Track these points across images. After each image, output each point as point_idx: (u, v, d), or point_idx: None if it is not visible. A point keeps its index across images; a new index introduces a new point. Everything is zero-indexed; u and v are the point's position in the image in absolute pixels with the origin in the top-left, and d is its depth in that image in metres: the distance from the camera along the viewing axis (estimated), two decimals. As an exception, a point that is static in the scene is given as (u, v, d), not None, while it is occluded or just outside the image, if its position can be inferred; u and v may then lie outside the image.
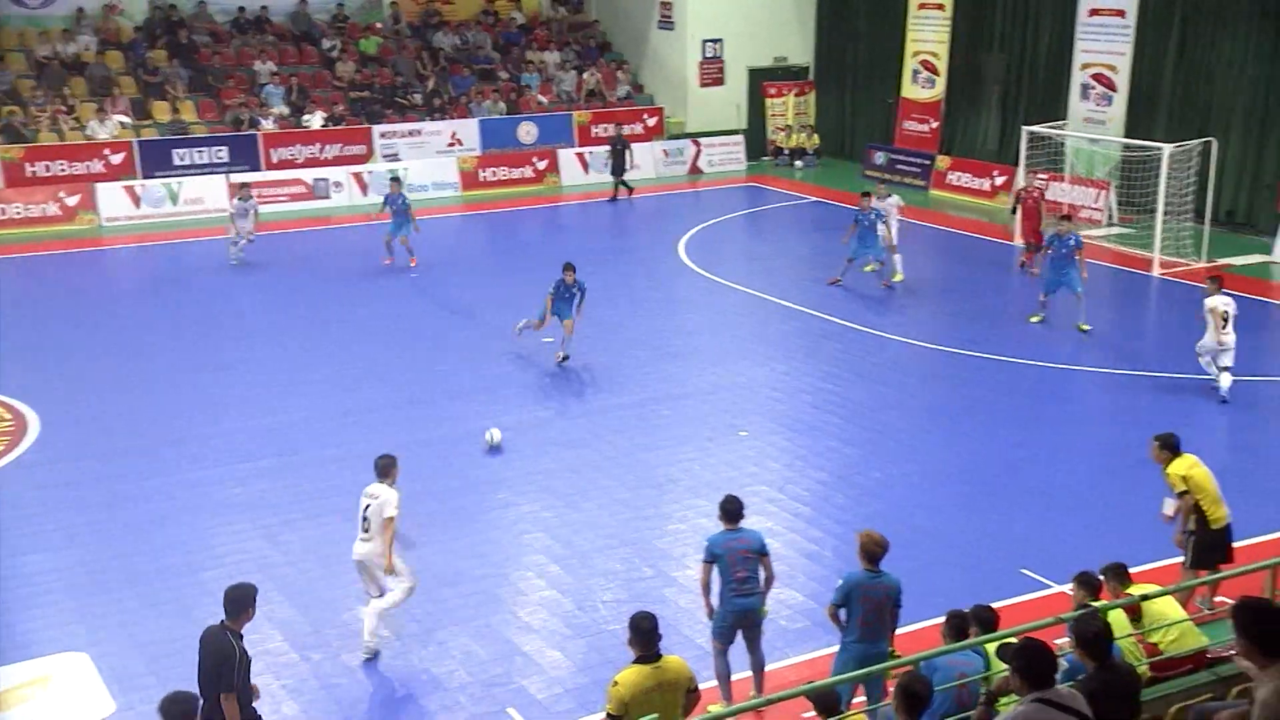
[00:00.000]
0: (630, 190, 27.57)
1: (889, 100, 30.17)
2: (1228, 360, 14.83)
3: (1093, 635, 6.40)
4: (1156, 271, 20.84)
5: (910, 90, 29.51)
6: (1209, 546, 9.97)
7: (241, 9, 29.75)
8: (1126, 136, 23.97)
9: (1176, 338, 17.85)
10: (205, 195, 25.79)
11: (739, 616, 8.84)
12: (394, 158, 27.82)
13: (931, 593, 9.67)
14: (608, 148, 28.19)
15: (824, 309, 19.15)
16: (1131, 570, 8.99)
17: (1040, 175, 24.07)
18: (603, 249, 22.85)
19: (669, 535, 11.90)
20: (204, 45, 28.97)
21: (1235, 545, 10.14)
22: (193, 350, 17.44)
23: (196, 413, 15.05)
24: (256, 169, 26.31)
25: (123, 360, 17.06)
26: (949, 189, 27.65)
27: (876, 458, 13.66)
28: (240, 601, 7.58)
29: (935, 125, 28.96)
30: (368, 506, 9.69)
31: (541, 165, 28.98)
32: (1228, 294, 15.09)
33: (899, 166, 28.94)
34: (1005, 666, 6.74)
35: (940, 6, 28.43)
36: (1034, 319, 18.22)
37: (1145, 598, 8.47)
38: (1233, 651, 7.56)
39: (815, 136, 31.50)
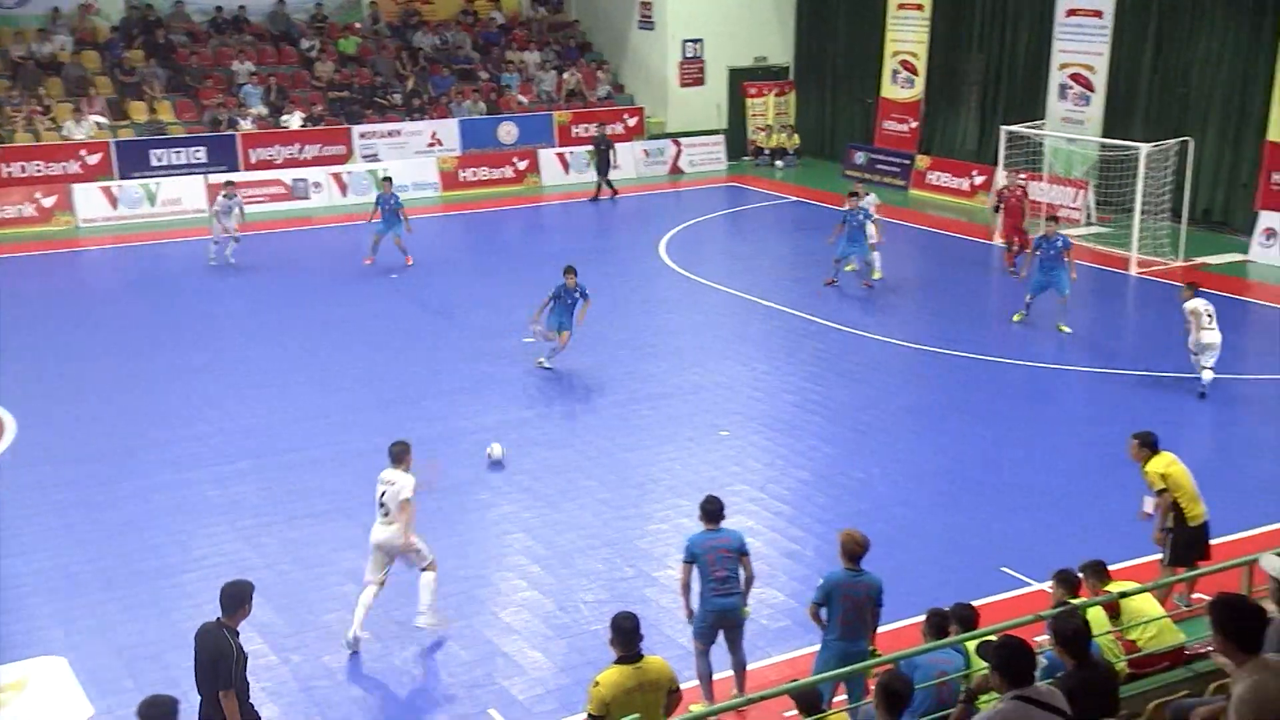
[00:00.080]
0: (614, 191, 27.56)
1: (869, 100, 30.26)
2: (1211, 359, 14.98)
3: (1071, 633, 6.42)
4: (1134, 270, 20.96)
5: (890, 90, 29.61)
6: (1187, 544, 10.04)
7: (219, 9, 29.60)
8: (1104, 136, 24.11)
9: (1155, 336, 18.00)
10: (183, 196, 25.63)
11: (719, 616, 8.84)
12: (373, 158, 27.73)
13: (912, 591, 9.70)
14: (591, 147, 28.19)
15: (805, 308, 19.18)
16: (1110, 568, 9.04)
17: (1022, 175, 24.19)
18: (584, 249, 22.81)
19: (650, 535, 11.89)
20: (181, 45, 28.81)
21: (1213, 542, 10.22)
22: (170, 352, 17.33)
23: (174, 415, 14.96)
24: (235, 169, 26.16)
25: (100, 362, 16.94)
26: (928, 189, 27.74)
27: (857, 457, 13.69)
28: (237, 598, 7.57)
29: (915, 125, 29.06)
30: (384, 492, 9.85)
31: (522, 165, 28.94)
32: (1204, 295, 15.23)
33: (879, 166, 29.03)
34: (985, 664, 6.76)
35: (919, 7, 28.53)
36: (1017, 318, 18.28)
37: (1124, 595, 8.52)
38: (1210, 648, 7.61)
39: (795, 136, 31.56)
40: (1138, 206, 21.00)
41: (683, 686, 7.49)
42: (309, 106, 27.97)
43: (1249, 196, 22.70)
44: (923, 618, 8.22)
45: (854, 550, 8.33)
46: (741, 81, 31.72)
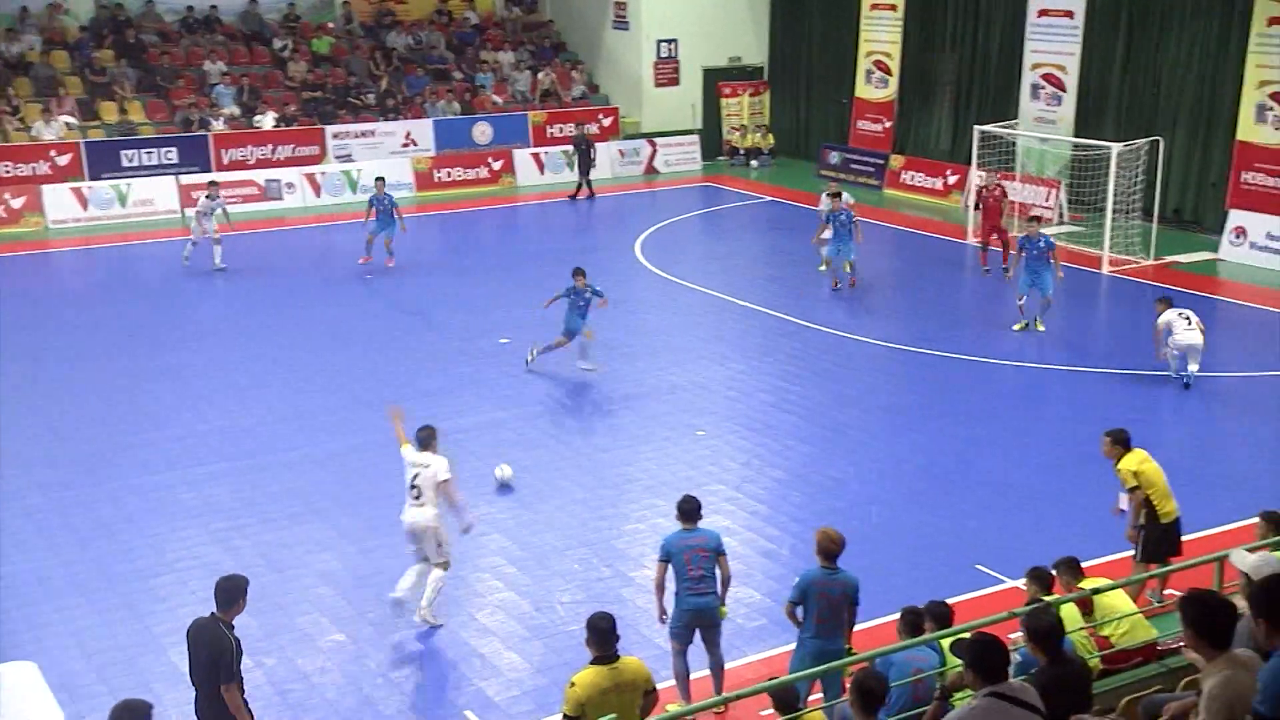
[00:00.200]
0: (591, 191, 27.53)
1: (843, 100, 30.34)
2: (1195, 362, 15.17)
3: (1045, 629, 6.47)
4: (1106, 269, 21.10)
5: (864, 90, 29.69)
6: (1159, 540, 10.12)
7: (190, 8, 29.39)
8: (1076, 136, 24.26)
9: (1127, 334, 18.12)
10: (155, 197, 25.44)
11: (694, 616, 8.84)
12: (347, 159, 27.60)
13: (887, 589, 9.72)
14: (570, 147, 28.16)
15: (780, 308, 19.21)
16: (1083, 564, 9.11)
17: (1001, 176, 24.28)
18: (559, 249, 22.77)
19: (627, 535, 11.88)
20: (152, 45, 28.58)
21: (1185, 539, 10.31)
22: (142, 354, 17.19)
23: (146, 417, 14.84)
24: (207, 170, 25.97)
25: (71, 365, 16.79)
26: (903, 188, 27.84)
27: (833, 455, 13.72)
28: (232, 593, 7.59)
29: (889, 125, 29.16)
30: (417, 475, 10.11)
31: (497, 165, 28.86)
32: (1178, 302, 15.50)
33: (853, 166, 29.11)
34: (960, 662, 6.79)
35: (892, 7, 28.64)
36: (1018, 328, 17.82)
37: (1097, 591, 8.58)
38: (1181, 644, 7.67)
39: (770, 136, 31.61)
40: (1109, 206, 21.14)
41: (660, 687, 7.48)
42: (282, 107, 27.80)
43: (1219, 195, 22.89)
44: (898, 615, 8.26)
45: (830, 549, 8.35)
46: (716, 81, 31.75)
